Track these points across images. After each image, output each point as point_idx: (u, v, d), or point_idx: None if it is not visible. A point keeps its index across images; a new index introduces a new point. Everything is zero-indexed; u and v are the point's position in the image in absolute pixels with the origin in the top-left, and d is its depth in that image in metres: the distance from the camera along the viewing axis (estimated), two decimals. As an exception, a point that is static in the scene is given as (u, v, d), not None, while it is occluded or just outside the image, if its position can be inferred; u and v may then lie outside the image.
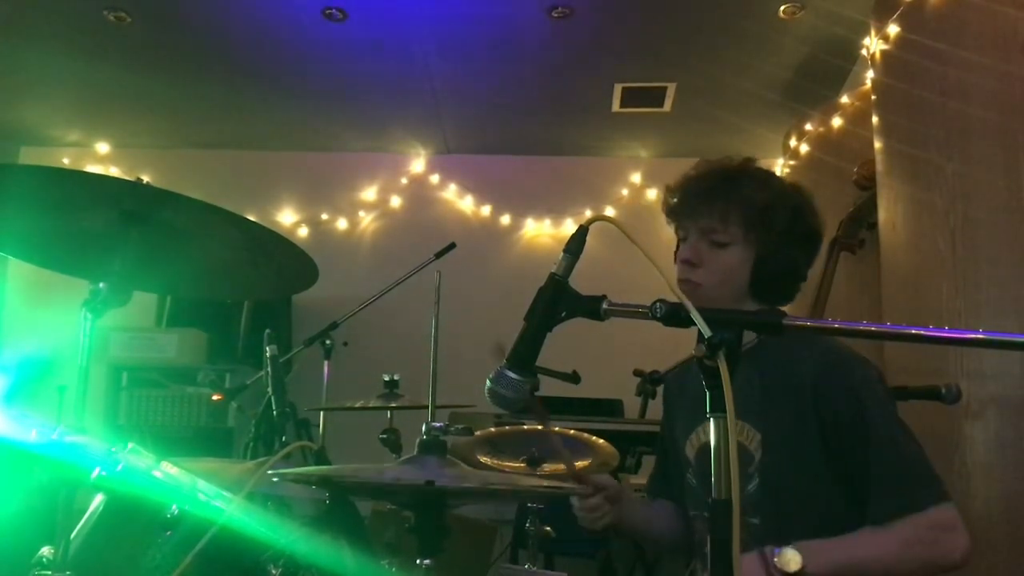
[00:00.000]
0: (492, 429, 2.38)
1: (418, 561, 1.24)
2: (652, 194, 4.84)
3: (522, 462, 2.08)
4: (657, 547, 2.77)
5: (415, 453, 1.29)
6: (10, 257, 1.67)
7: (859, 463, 1.43)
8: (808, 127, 3.81)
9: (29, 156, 4.95)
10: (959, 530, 1.39)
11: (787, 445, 1.48)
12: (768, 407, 1.51)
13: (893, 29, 2.67)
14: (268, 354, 2.09)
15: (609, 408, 4.01)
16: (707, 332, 0.97)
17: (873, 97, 2.90)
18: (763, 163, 1.69)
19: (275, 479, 1.36)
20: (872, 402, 1.44)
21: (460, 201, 4.99)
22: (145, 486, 1.31)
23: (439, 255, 3.08)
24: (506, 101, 4.38)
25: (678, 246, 1.64)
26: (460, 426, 1.48)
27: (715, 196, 1.58)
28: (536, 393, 1.14)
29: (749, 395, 1.50)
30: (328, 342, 3.06)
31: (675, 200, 1.64)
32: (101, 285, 1.36)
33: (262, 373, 2.15)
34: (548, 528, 2.06)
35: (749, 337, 1.53)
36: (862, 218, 3.17)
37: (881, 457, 1.41)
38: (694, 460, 1.66)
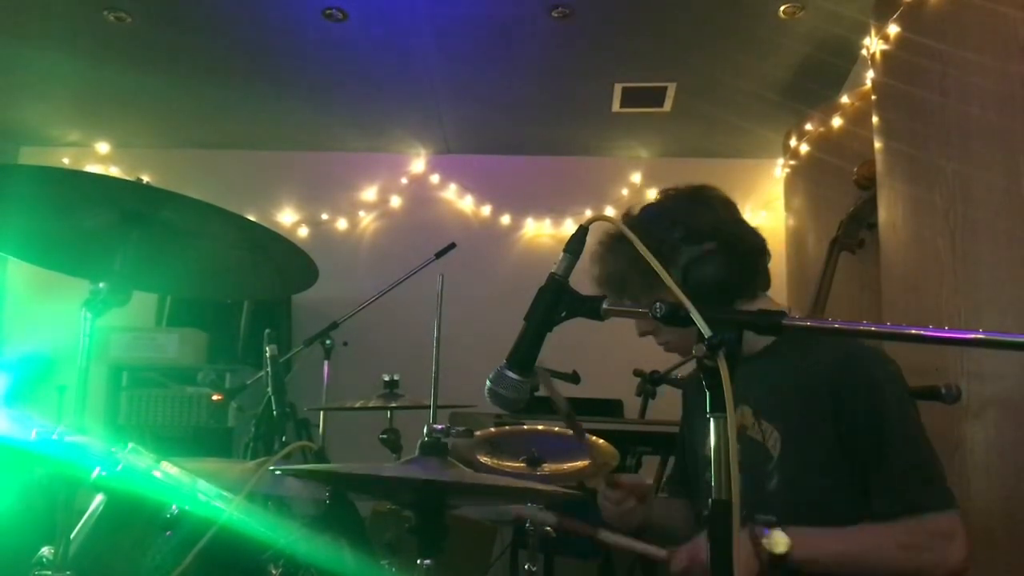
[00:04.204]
0: (492, 429, 2.38)
1: (418, 561, 1.24)
2: (652, 194, 4.79)
3: (522, 462, 2.08)
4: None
5: (416, 454, 1.29)
6: (10, 257, 1.67)
7: (871, 459, 1.42)
8: (808, 127, 3.81)
9: (29, 156, 4.95)
10: (959, 540, 1.37)
11: (806, 443, 1.47)
12: (787, 405, 1.50)
13: (893, 29, 2.67)
14: (268, 354, 2.09)
15: (609, 408, 4.01)
16: (707, 332, 0.97)
17: (873, 97, 2.90)
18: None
19: (277, 474, 1.36)
20: (891, 400, 1.44)
21: (460, 201, 4.99)
22: (145, 486, 1.31)
23: (439, 255, 3.08)
24: (506, 101, 4.38)
25: None
26: (461, 428, 1.48)
27: (606, 285, 1.60)
28: (536, 393, 1.14)
29: (769, 393, 1.50)
30: (328, 342, 3.06)
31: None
32: (101, 285, 1.37)
33: (262, 373, 2.16)
34: (548, 528, 2.06)
35: (769, 336, 1.54)
36: (862, 218, 3.16)
37: (893, 455, 1.40)
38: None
